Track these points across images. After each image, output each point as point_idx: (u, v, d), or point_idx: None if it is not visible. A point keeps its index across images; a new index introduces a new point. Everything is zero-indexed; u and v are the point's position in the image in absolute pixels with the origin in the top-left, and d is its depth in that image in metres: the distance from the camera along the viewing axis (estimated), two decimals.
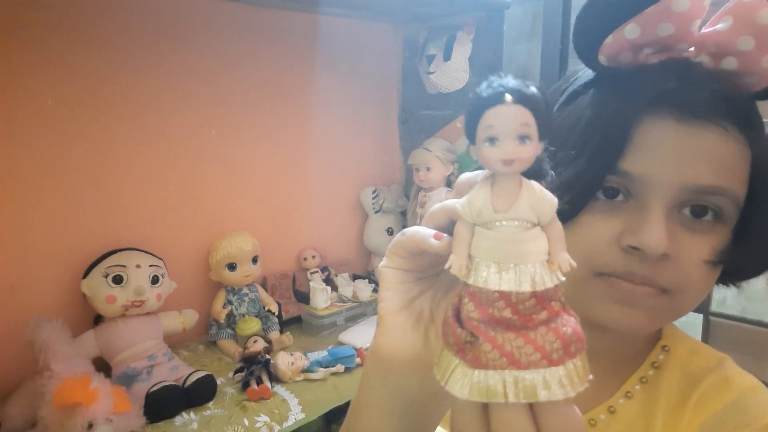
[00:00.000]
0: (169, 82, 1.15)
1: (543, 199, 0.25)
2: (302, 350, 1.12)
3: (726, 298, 1.61)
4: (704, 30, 0.38)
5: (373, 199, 1.53)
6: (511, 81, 0.24)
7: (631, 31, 0.37)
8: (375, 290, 1.41)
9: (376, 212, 1.54)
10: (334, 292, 1.35)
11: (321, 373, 1.05)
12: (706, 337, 1.67)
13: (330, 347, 1.14)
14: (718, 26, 0.37)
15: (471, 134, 0.25)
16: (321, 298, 1.28)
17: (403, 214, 1.57)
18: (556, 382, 0.22)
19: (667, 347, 0.48)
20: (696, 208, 0.37)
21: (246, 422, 0.90)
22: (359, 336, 1.21)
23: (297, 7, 1.32)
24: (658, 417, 0.45)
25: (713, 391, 0.44)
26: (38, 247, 1.01)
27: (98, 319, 1.03)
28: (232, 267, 1.19)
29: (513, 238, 0.24)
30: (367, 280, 1.42)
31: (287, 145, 1.39)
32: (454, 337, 0.25)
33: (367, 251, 1.60)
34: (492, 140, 0.24)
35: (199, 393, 0.94)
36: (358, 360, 1.10)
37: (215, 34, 1.21)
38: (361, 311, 1.34)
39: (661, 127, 0.37)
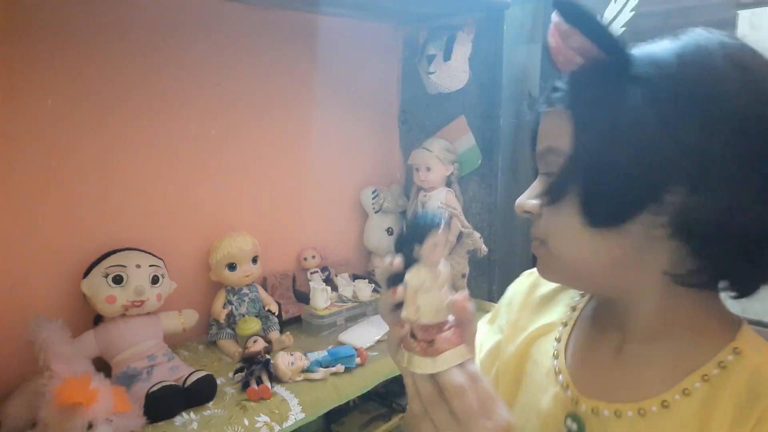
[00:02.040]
0: (169, 82, 1.15)
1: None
2: (302, 350, 1.12)
3: (725, 298, 1.61)
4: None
5: (373, 199, 1.53)
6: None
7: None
8: (375, 290, 1.41)
9: (376, 212, 1.54)
10: (334, 292, 1.35)
11: (321, 373, 1.05)
12: None
13: (330, 347, 1.14)
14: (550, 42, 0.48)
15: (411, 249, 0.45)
16: (321, 298, 1.28)
17: (403, 214, 1.57)
18: (456, 357, 0.44)
19: (739, 350, 0.46)
20: (543, 171, 0.50)
21: (246, 422, 0.90)
22: (359, 336, 1.21)
23: (297, 7, 1.32)
24: (715, 421, 0.43)
25: None
26: (38, 247, 1.01)
27: (98, 319, 1.03)
28: (232, 267, 1.19)
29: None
30: (367, 280, 1.41)
31: (287, 145, 1.39)
32: (419, 345, 0.45)
33: (367, 251, 1.60)
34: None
35: (199, 393, 0.94)
36: (358, 360, 1.10)
37: (215, 34, 1.21)
38: (361, 311, 1.34)
39: (543, 115, 0.50)
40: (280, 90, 1.35)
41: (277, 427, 0.91)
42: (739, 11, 1.53)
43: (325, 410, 1.00)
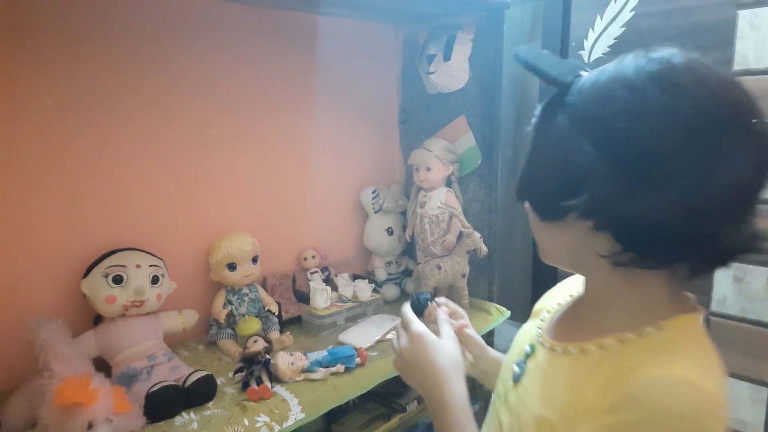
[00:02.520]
0: (169, 82, 1.15)
1: None
2: (302, 350, 1.12)
3: (726, 298, 1.61)
4: None
5: (373, 199, 1.53)
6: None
7: None
8: (375, 290, 1.41)
9: (376, 212, 1.54)
10: (334, 292, 1.35)
11: (321, 373, 1.05)
12: None
13: (330, 347, 1.14)
14: None
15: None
16: (321, 298, 1.28)
17: (403, 214, 1.57)
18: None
19: (663, 327, 0.54)
20: None
21: (246, 422, 0.90)
22: (359, 336, 1.21)
23: (297, 7, 1.32)
24: (598, 378, 0.53)
25: (618, 380, 0.51)
26: (38, 247, 1.01)
27: (98, 319, 1.03)
28: (232, 267, 1.19)
29: None
30: (367, 280, 1.42)
31: (287, 145, 1.39)
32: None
33: (367, 251, 1.60)
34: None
35: (199, 393, 0.94)
36: (358, 360, 1.10)
37: (215, 35, 1.21)
38: (361, 311, 1.34)
39: None
40: (280, 90, 1.35)
41: (277, 427, 0.91)
42: (739, 11, 1.53)
43: (325, 410, 1.00)
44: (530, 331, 0.71)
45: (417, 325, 0.71)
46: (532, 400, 0.60)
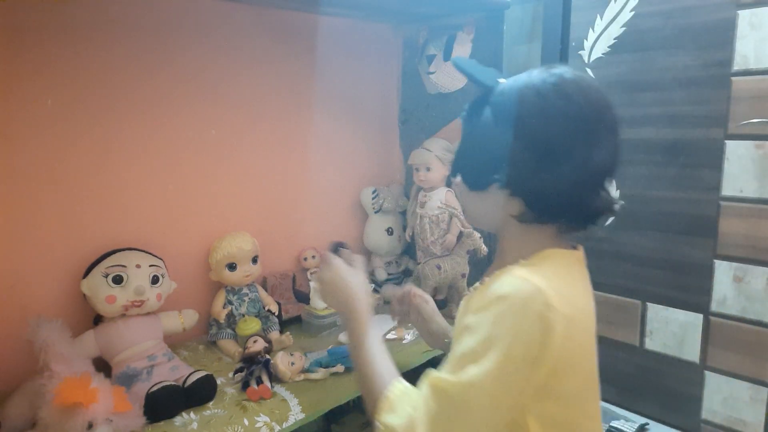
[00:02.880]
0: (169, 82, 1.15)
1: None
2: (302, 350, 1.12)
3: (726, 298, 1.61)
4: None
5: (373, 199, 1.53)
6: None
7: None
8: (375, 290, 1.41)
9: (376, 212, 1.54)
10: None
11: (321, 373, 1.05)
12: (706, 337, 1.67)
13: (330, 347, 1.14)
14: None
15: None
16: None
17: (403, 214, 1.57)
18: None
19: (519, 263, 0.72)
20: None
21: (246, 422, 0.90)
22: None
23: (297, 7, 1.32)
24: (475, 299, 0.72)
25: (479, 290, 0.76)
26: (38, 247, 1.01)
27: (98, 319, 1.03)
28: (232, 267, 1.19)
29: None
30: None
31: (287, 145, 1.39)
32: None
33: (367, 251, 1.60)
34: None
35: (199, 393, 0.95)
36: None
37: (214, 34, 1.21)
38: None
39: None
40: (280, 90, 1.35)
41: (277, 427, 0.91)
42: (739, 11, 1.53)
43: (325, 410, 1.00)
44: None
45: (335, 258, 0.93)
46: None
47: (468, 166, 0.80)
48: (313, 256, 1.42)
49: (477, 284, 0.80)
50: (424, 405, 0.67)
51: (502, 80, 0.75)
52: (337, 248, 0.98)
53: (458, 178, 0.81)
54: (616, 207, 0.72)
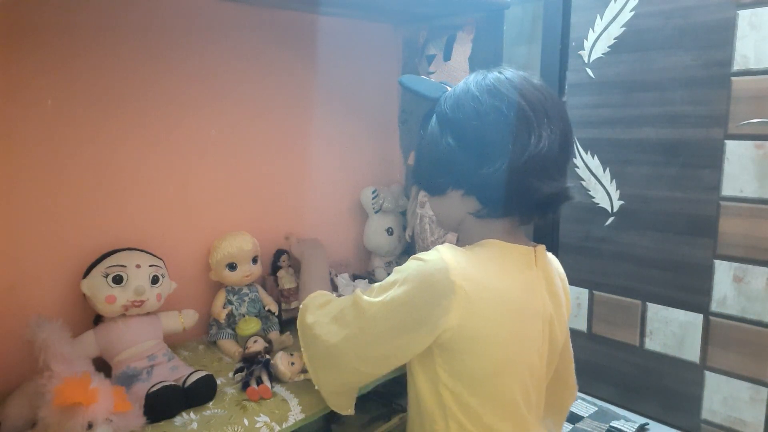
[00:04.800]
0: (169, 82, 1.15)
1: None
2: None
3: (726, 298, 1.61)
4: None
5: (373, 199, 1.53)
6: None
7: None
8: None
9: (376, 212, 1.54)
10: (334, 292, 1.35)
11: None
12: (706, 337, 1.67)
13: None
14: None
15: None
16: None
17: (403, 214, 1.57)
18: None
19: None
20: None
21: (246, 422, 0.90)
22: None
23: (297, 7, 1.32)
24: None
25: None
26: (38, 247, 1.01)
27: (98, 319, 1.03)
28: (232, 267, 1.19)
29: None
30: (367, 281, 1.42)
31: (287, 145, 1.39)
32: None
33: (367, 251, 1.60)
34: None
35: (199, 393, 0.94)
36: None
37: (215, 34, 1.21)
38: None
39: None
40: (279, 90, 1.35)
41: (277, 427, 0.91)
42: (739, 11, 1.53)
43: (326, 411, 1.00)
44: None
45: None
46: None
47: (424, 174, 0.86)
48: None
49: None
50: (339, 301, 0.84)
51: (449, 88, 0.81)
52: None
53: (419, 187, 0.92)
54: (571, 193, 0.77)
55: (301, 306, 0.92)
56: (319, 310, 0.87)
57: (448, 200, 0.83)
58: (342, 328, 0.81)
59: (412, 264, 0.76)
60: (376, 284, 0.80)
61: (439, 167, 0.80)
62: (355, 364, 0.81)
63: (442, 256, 0.73)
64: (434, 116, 0.81)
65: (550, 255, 0.89)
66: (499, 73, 0.76)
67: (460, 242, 0.86)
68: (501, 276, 0.76)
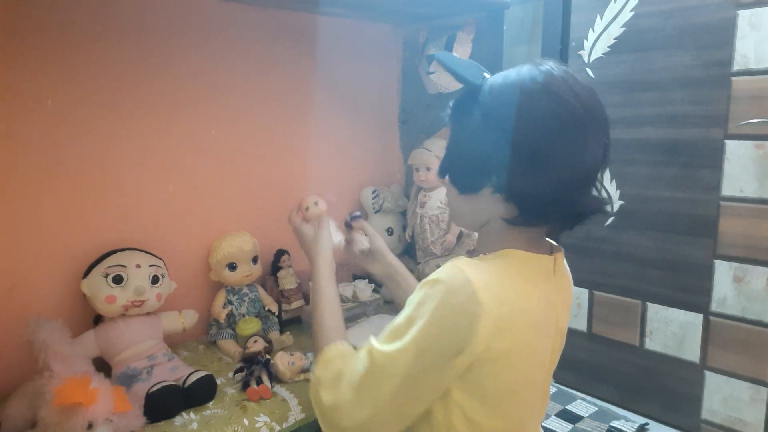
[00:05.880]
0: (169, 82, 1.15)
1: None
2: (302, 350, 1.12)
3: (726, 298, 1.61)
4: None
5: (373, 199, 1.53)
6: None
7: None
8: (375, 290, 1.41)
9: (376, 212, 1.54)
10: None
11: None
12: (706, 337, 1.67)
13: None
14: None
15: None
16: None
17: (403, 214, 1.57)
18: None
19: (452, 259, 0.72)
20: None
21: (246, 422, 0.90)
22: (359, 336, 1.21)
23: (297, 7, 1.32)
24: None
25: None
26: (38, 247, 1.01)
27: (98, 319, 1.03)
28: (232, 267, 1.19)
29: None
30: (366, 280, 1.42)
31: (287, 145, 1.39)
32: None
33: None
34: None
35: (199, 393, 0.94)
36: None
37: (215, 34, 1.21)
38: (361, 311, 1.34)
39: None
40: (280, 90, 1.35)
41: (277, 427, 0.91)
42: (739, 11, 1.53)
43: None
44: None
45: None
46: None
47: (458, 168, 0.77)
48: (316, 203, 1.32)
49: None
50: (355, 364, 0.72)
51: (486, 75, 0.73)
52: (351, 220, 1.09)
53: (446, 179, 0.78)
54: (607, 206, 0.73)
55: (311, 378, 0.80)
56: (335, 386, 0.74)
57: (479, 200, 0.73)
58: (370, 399, 0.69)
59: (432, 292, 0.66)
60: (393, 324, 0.71)
61: (477, 165, 0.72)
62: (395, 427, 0.71)
63: (468, 277, 0.65)
64: (477, 107, 0.71)
65: None
66: (553, 69, 0.68)
67: (478, 245, 0.79)
68: (522, 292, 0.70)
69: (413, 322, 0.67)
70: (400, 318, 0.69)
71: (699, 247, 1.66)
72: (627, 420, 1.66)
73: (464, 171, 0.76)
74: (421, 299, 0.67)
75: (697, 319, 1.68)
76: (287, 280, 1.30)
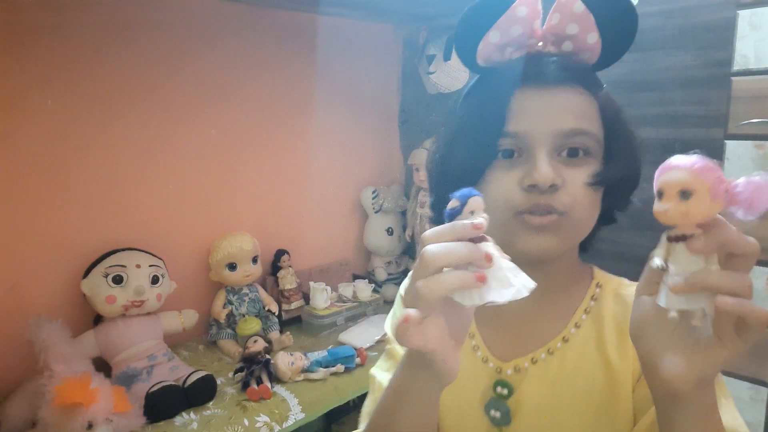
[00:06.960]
0: (169, 82, 1.15)
1: None
2: (302, 350, 1.12)
3: None
4: (544, 26, 0.54)
5: (373, 199, 1.53)
6: None
7: (493, 36, 0.56)
8: (375, 290, 1.41)
9: (376, 212, 1.54)
10: (334, 292, 1.35)
11: (321, 373, 1.05)
12: None
13: (330, 347, 1.14)
14: (552, 21, 0.53)
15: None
16: (321, 298, 1.28)
17: (403, 214, 1.57)
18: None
19: (600, 284, 0.61)
20: (570, 150, 0.52)
21: (246, 422, 0.90)
22: (359, 336, 1.21)
23: (297, 7, 1.32)
24: (606, 335, 0.56)
25: None
26: (38, 247, 1.01)
27: (98, 319, 1.03)
28: (232, 267, 1.19)
29: None
30: (366, 280, 1.42)
31: (287, 145, 1.39)
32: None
33: (367, 251, 1.60)
34: None
35: (199, 393, 0.94)
36: (358, 360, 1.10)
37: (215, 34, 1.21)
38: (361, 311, 1.34)
39: (528, 95, 0.52)
40: (280, 90, 1.35)
41: (277, 427, 0.91)
42: (739, 11, 1.53)
43: (325, 410, 1.00)
44: (473, 371, 0.60)
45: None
46: (562, 410, 0.56)
47: (613, 163, 0.56)
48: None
49: (550, 348, 0.57)
50: (368, 402, 0.63)
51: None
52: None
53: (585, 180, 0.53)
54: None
55: None
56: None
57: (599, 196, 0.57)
58: None
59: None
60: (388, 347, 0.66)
61: (633, 173, 0.59)
62: None
63: None
64: (620, 110, 0.57)
65: None
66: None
67: (542, 288, 0.53)
68: None
69: None
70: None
71: None
72: None
73: (621, 165, 0.58)
74: None
75: None
76: (287, 280, 1.30)
